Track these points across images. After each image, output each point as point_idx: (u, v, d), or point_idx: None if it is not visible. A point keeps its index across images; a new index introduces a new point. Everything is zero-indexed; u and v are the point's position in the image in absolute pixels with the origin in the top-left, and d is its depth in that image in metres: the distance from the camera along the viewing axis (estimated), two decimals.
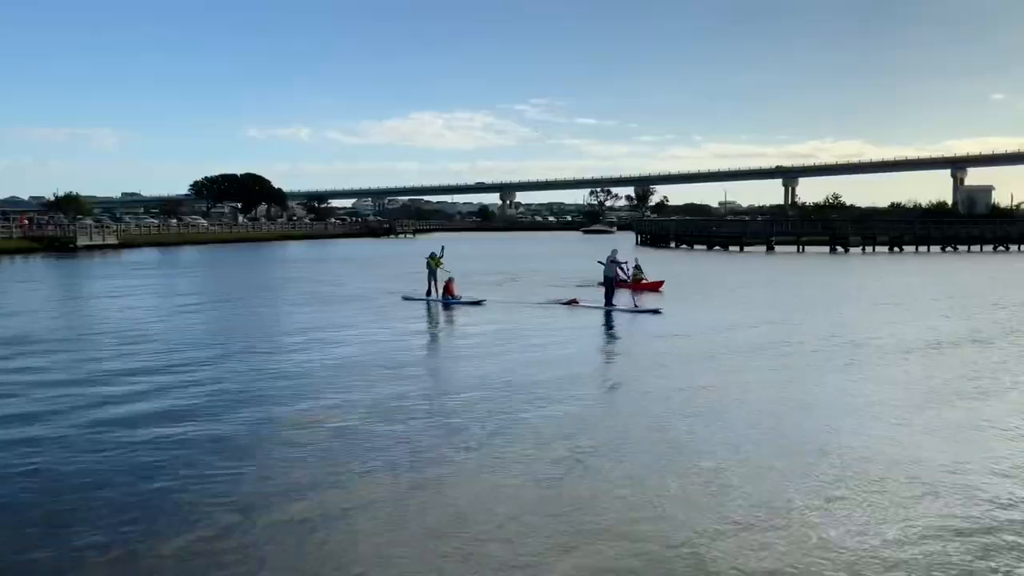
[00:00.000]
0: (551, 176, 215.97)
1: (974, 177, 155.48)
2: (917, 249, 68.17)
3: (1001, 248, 70.21)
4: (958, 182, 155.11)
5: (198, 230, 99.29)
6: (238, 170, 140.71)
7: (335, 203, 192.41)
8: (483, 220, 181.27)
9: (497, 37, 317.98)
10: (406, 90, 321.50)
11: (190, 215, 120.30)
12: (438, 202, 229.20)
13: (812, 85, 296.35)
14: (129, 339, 18.23)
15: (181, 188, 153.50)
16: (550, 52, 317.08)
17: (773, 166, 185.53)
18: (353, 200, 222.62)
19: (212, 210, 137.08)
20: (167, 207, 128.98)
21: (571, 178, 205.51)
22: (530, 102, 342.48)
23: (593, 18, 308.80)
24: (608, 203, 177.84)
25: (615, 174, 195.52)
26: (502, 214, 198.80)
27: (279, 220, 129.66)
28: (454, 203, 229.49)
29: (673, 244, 77.14)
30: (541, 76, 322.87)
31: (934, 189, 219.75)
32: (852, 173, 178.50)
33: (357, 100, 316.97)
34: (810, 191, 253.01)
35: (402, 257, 59.69)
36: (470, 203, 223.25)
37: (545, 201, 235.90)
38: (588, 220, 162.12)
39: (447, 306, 25.17)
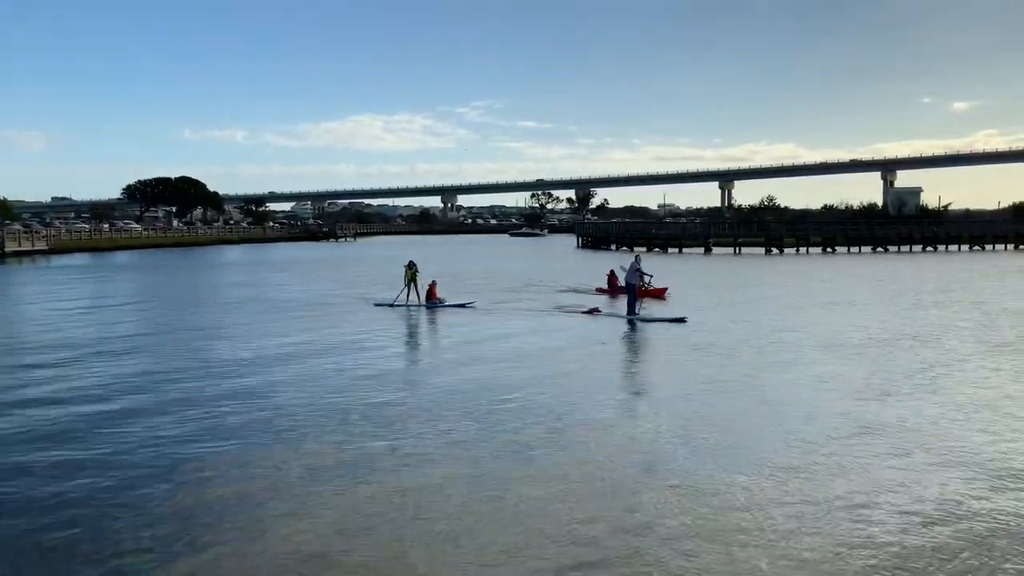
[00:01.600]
0: (491, 179, 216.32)
1: (903, 179, 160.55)
2: (849, 250, 69.93)
3: (929, 248, 72.36)
4: (888, 184, 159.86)
5: (131, 235, 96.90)
6: (172, 173, 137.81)
7: (273, 206, 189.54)
8: (424, 223, 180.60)
9: (437, 40, 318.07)
10: (345, 92, 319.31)
11: (122, 220, 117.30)
12: (379, 205, 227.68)
13: (747, 89, 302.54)
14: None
15: (113, 192, 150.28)
16: (490, 55, 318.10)
17: (710, 169, 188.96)
18: (292, 203, 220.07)
19: (146, 214, 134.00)
20: (98, 211, 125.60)
21: (512, 181, 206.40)
22: (471, 105, 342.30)
23: (532, 21, 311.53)
24: (549, 206, 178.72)
25: (555, 176, 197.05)
26: (443, 217, 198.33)
27: (215, 224, 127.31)
28: (395, 206, 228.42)
29: (614, 247, 77.81)
30: (481, 79, 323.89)
31: (865, 191, 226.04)
32: (786, 176, 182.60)
33: (295, 102, 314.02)
34: (746, 193, 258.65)
35: (350, 261, 59.19)
36: (411, 206, 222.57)
37: (487, 204, 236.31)
38: (530, 223, 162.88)
39: (431, 310, 25.06)
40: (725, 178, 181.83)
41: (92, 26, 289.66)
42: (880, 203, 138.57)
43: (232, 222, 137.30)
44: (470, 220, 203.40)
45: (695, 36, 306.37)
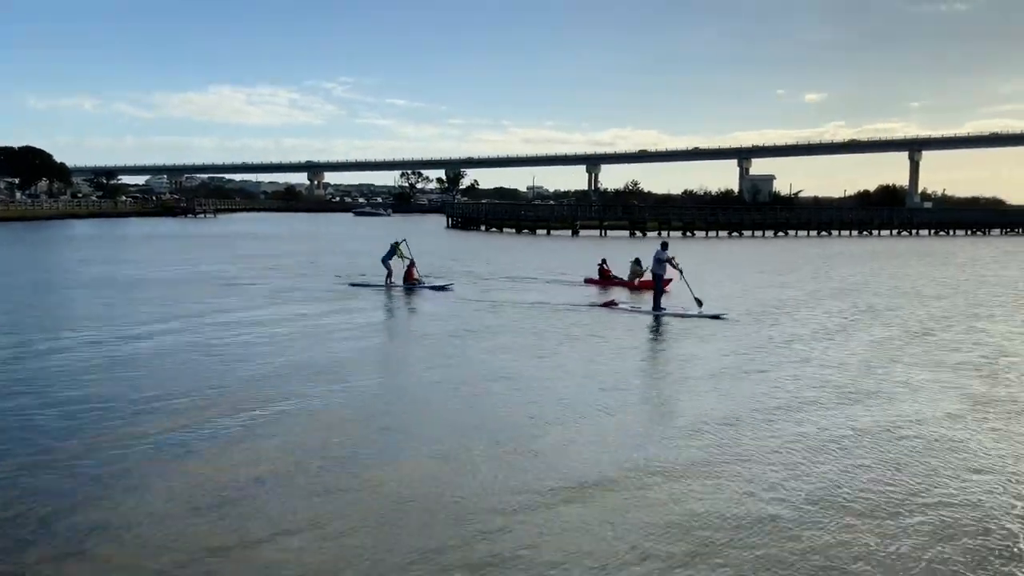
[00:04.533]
0: (360, 156, 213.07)
1: (758, 166, 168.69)
2: (707, 234, 72.81)
3: (781, 234, 76.28)
4: (744, 171, 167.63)
5: None
6: (15, 143, 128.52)
7: (126, 180, 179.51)
8: (289, 200, 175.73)
9: (302, 11, 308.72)
10: (204, 61, 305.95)
11: None
12: (241, 181, 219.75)
13: (613, 76, 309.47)
14: None
15: None
16: (358, 29, 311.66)
17: (577, 153, 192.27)
18: (147, 177, 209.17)
19: None
20: None
21: (381, 159, 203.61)
22: (338, 80, 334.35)
23: None
24: (419, 185, 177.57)
25: (425, 156, 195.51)
26: (309, 195, 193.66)
27: (62, 197, 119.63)
28: (258, 182, 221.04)
29: (483, 228, 78.14)
30: (349, 54, 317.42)
31: (723, 177, 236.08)
32: (650, 161, 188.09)
33: (149, 69, 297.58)
34: (612, 177, 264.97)
35: (207, 239, 56.70)
36: (275, 182, 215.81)
37: (355, 182, 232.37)
38: (400, 202, 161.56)
39: (409, 291, 24.32)
40: (592, 162, 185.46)
41: None
42: (737, 189, 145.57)
43: (80, 195, 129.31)
44: (338, 198, 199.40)
45: (564, 21, 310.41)
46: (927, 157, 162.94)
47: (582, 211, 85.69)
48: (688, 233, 73.06)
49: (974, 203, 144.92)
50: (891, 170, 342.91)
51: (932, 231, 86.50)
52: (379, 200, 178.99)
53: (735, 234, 74.08)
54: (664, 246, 20.61)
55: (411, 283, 24.93)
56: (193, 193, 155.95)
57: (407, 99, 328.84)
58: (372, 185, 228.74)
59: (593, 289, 25.66)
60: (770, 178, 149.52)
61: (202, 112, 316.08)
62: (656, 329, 17.87)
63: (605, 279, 27.05)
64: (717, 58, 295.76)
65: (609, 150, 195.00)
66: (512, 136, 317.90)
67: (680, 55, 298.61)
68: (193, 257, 38.21)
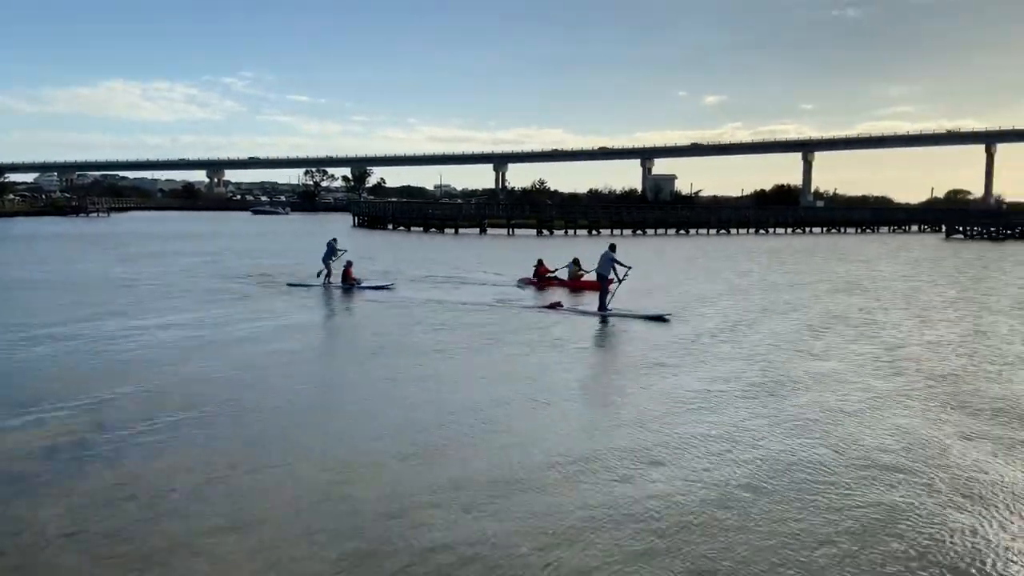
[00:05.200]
0: (262, 154, 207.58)
1: (660, 166, 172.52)
2: (612, 232, 74.00)
3: (682, 232, 78.24)
4: (647, 171, 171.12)
5: None
6: None
7: (14, 178, 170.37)
8: (188, 199, 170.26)
9: (198, 3, 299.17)
10: (96, 55, 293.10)
11: None
12: (136, 178, 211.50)
13: (518, 74, 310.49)
14: None
15: None
16: (258, 23, 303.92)
17: (484, 151, 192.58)
18: (35, 175, 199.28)
19: None
20: None
21: (284, 156, 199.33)
22: (238, 75, 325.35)
23: None
24: (324, 183, 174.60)
25: (329, 154, 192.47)
26: (209, 192, 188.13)
27: None
28: (155, 180, 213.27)
29: (390, 226, 77.52)
30: (248, 49, 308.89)
31: (626, 177, 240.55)
32: (556, 160, 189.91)
33: (37, 63, 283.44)
34: (519, 176, 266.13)
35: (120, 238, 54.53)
36: (173, 180, 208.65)
37: (257, 180, 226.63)
38: (304, 201, 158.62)
39: (347, 291, 24.05)
40: (499, 161, 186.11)
41: None
42: (640, 189, 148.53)
43: None
44: (239, 196, 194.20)
45: (465, 19, 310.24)
46: (820, 158, 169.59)
47: (490, 209, 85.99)
48: (594, 231, 74.16)
49: (864, 202, 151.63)
50: (786, 170, 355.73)
51: (825, 229, 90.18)
52: (282, 199, 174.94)
53: (639, 232, 75.59)
54: (612, 247, 20.51)
55: (350, 283, 24.76)
56: (85, 191, 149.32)
57: (310, 95, 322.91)
58: (275, 183, 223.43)
59: (531, 290, 25.36)
60: (672, 177, 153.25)
61: (94, 108, 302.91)
62: (603, 330, 17.86)
63: (542, 279, 26.45)
64: (619, 59, 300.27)
65: (515, 149, 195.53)
66: (418, 134, 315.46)
67: (582, 56, 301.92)
68: (79, 257, 36.78)
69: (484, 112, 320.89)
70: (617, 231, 74.70)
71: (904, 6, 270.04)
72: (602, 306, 19.80)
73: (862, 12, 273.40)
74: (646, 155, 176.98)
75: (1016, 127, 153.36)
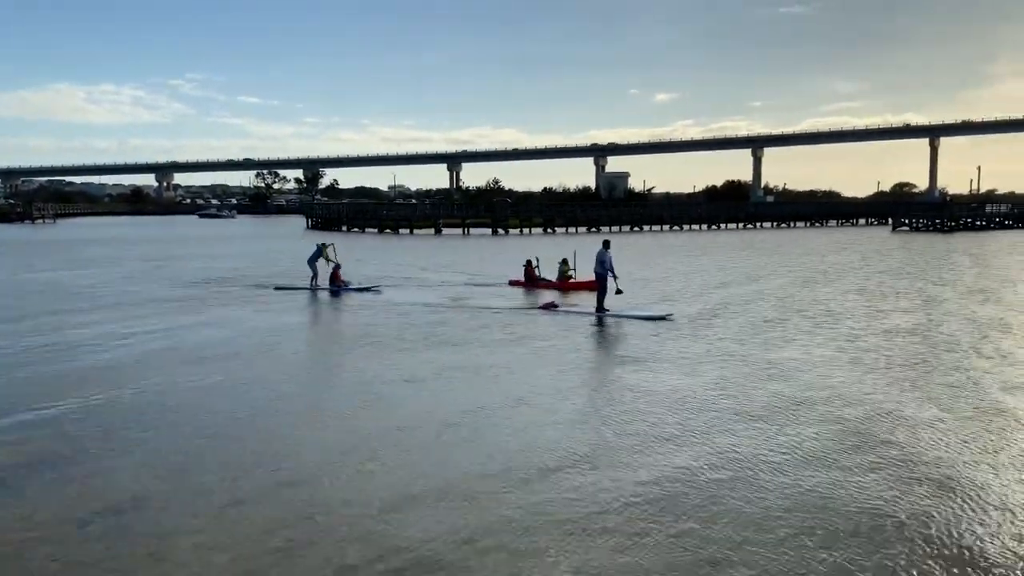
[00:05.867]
0: (212, 156, 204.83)
1: (613, 164, 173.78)
2: (567, 230, 74.40)
3: (636, 228, 78.86)
4: (600, 168, 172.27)
5: None
6: None
7: None
8: (136, 203, 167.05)
9: (144, 4, 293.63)
10: (39, 57, 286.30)
11: None
12: (83, 183, 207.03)
13: (471, 74, 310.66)
14: None
15: None
16: (205, 24, 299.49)
17: (438, 151, 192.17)
18: None
19: None
20: None
21: (236, 159, 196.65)
22: (186, 77, 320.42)
23: None
24: (276, 185, 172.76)
25: (282, 155, 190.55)
26: (158, 197, 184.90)
27: None
28: (102, 184, 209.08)
29: (345, 228, 77.00)
30: (196, 50, 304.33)
31: (580, 175, 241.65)
32: (511, 159, 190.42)
33: None
34: (473, 176, 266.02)
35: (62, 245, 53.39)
36: (121, 185, 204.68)
37: (208, 183, 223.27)
38: (256, 203, 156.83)
39: (335, 294, 24.19)
40: (454, 161, 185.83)
41: None
42: (594, 186, 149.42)
43: None
44: (188, 200, 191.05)
45: (420, 18, 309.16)
46: (769, 153, 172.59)
47: (444, 209, 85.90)
48: (549, 230, 74.43)
49: (812, 196, 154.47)
50: (737, 166, 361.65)
51: (775, 223, 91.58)
52: (233, 201, 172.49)
53: (593, 230, 76.05)
54: (606, 245, 19.98)
55: (337, 285, 24.81)
56: (31, 197, 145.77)
57: (261, 97, 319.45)
58: (226, 186, 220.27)
59: (520, 291, 25.08)
60: (625, 175, 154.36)
61: (38, 111, 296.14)
62: (601, 331, 17.55)
63: (531, 281, 26.06)
64: (571, 58, 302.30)
65: (469, 148, 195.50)
66: (371, 135, 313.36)
67: (534, 55, 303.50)
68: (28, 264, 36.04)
69: (438, 112, 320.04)
70: (572, 229, 75.12)
71: (850, 2, 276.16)
72: (600, 306, 19.36)
73: (807, 8, 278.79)
74: (599, 153, 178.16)
75: (959, 120, 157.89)
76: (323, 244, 26.44)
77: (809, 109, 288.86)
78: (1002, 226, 76.34)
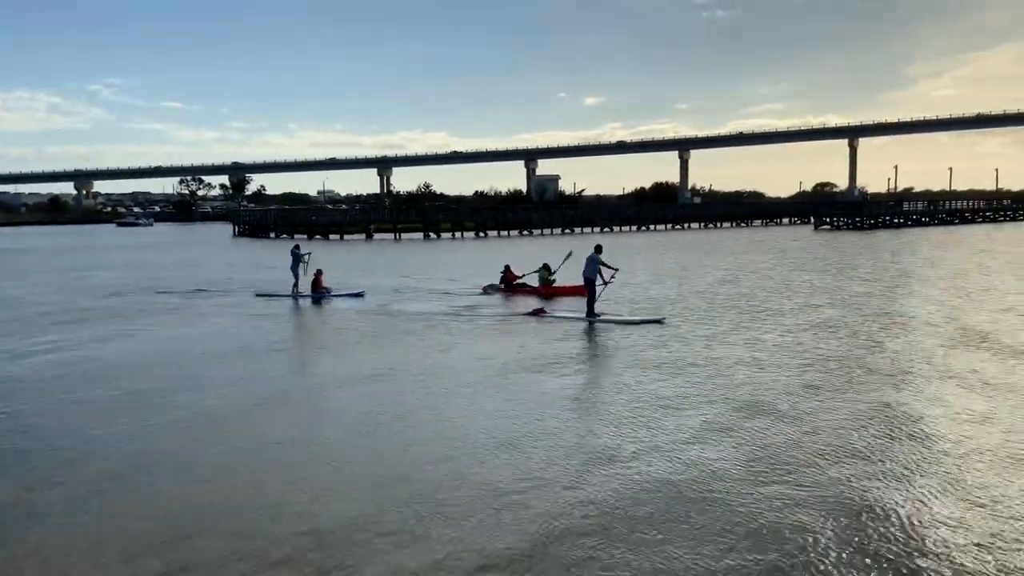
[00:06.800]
0: (133, 164, 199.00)
1: (544, 167, 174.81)
2: (499, 234, 74.46)
3: (568, 231, 79.38)
4: (531, 172, 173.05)
5: None
6: None
7: None
8: (54, 212, 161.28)
9: (56, 9, 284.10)
10: None
11: None
12: None
13: (399, 77, 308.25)
14: None
15: None
16: (121, 28, 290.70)
17: (367, 155, 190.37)
18: None
19: None
20: None
21: (158, 165, 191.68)
22: (103, 81, 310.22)
23: None
24: (201, 192, 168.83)
25: (206, 161, 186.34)
26: (78, 205, 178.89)
27: None
28: (18, 193, 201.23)
29: (273, 235, 75.73)
30: (114, 54, 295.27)
31: (511, 178, 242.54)
32: (441, 163, 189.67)
33: None
34: (404, 180, 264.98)
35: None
36: (38, 193, 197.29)
37: (129, 191, 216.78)
38: (180, 211, 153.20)
39: (317, 300, 23.90)
40: (384, 165, 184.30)
41: None
42: (525, 189, 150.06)
43: None
44: (109, 208, 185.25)
45: (344, 22, 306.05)
46: (695, 156, 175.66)
47: (375, 214, 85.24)
48: (480, 233, 74.45)
49: (738, 197, 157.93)
50: (664, 168, 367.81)
51: (702, 224, 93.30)
52: (156, 209, 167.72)
53: (525, 232, 76.29)
54: (598, 249, 19.42)
55: (320, 291, 24.47)
56: None
57: (183, 102, 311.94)
58: (148, 193, 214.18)
59: (499, 297, 24.42)
60: (555, 178, 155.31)
61: None
62: (593, 337, 17.05)
63: (511, 286, 25.34)
64: (497, 61, 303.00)
65: (400, 152, 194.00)
66: (299, 140, 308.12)
67: (461, 58, 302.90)
68: None
69: (367, 116, 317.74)
70: (504, 232, 75.25)
71: (770, 6, 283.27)
72: (590, 311, 18.81)
73: (729, 13, 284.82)
74: (530, 156, 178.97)
75: (876, 121, 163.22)
76: (298, 249, 26.05)
77: (733, 111, 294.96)
78: (919, 223, 79.30)
